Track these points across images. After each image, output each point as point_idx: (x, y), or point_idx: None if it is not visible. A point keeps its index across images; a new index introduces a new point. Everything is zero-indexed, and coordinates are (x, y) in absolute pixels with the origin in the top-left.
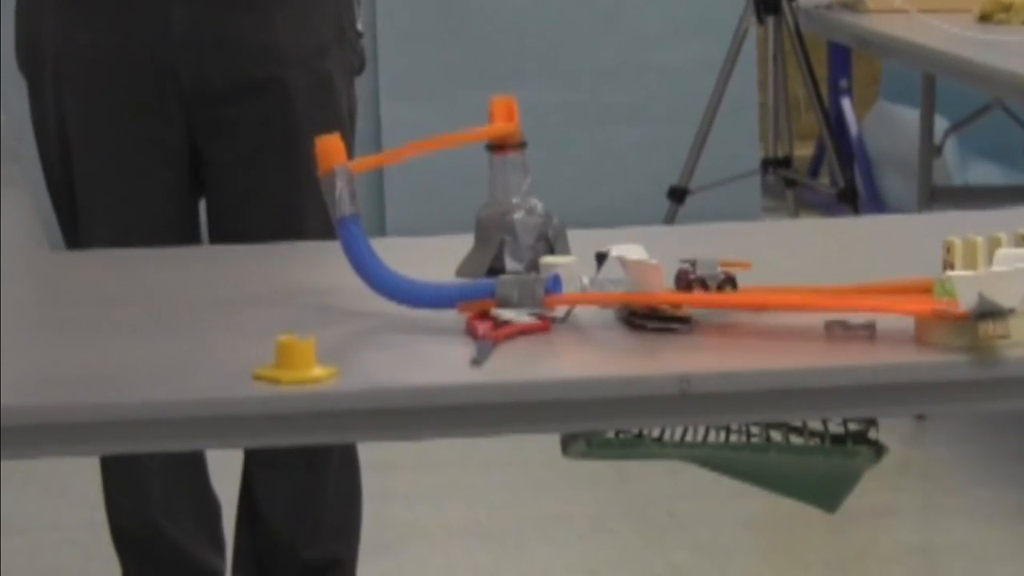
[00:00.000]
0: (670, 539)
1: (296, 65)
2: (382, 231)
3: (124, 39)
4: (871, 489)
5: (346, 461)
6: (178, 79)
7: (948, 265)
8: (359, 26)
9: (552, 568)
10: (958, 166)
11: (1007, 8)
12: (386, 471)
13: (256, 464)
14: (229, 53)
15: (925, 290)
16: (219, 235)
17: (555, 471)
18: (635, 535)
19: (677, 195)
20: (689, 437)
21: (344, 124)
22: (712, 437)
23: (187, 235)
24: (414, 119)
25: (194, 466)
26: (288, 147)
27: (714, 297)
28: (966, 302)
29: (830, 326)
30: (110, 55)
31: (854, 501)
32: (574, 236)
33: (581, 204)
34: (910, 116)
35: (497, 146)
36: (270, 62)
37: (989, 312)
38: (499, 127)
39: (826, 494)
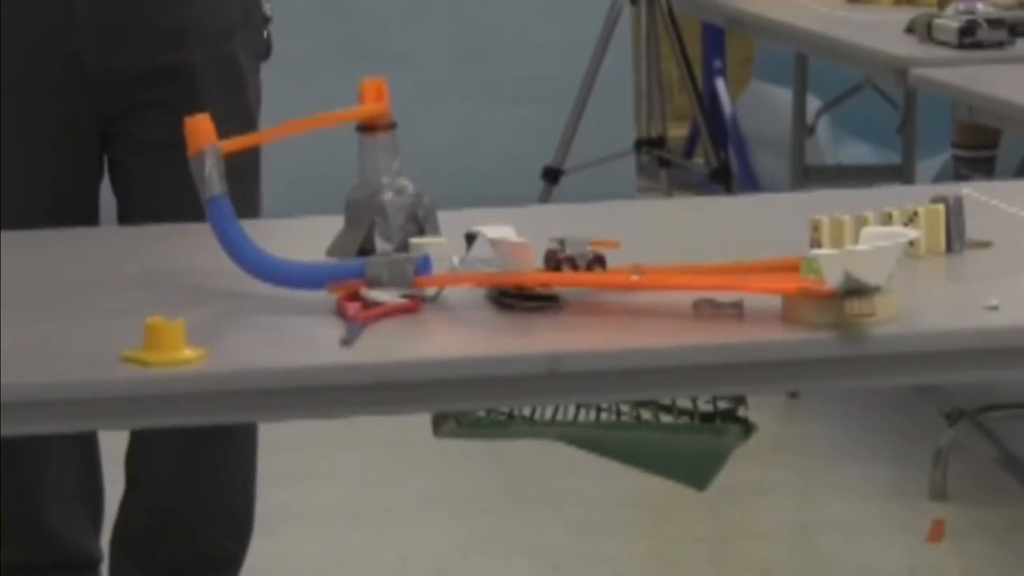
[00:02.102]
0: (544, 517)
1: (203, 49)
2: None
3: (27, 24)
4: (745, 466)
5: (237, 450)
6: (83, 64)
7: (815, 243)
8: (266, 10)
9: (427, 548)
10: (830, 145)
11: None
12: (260, 452)
13: (137, 441)
14: (134, 37)
15: (793, 268)
16: (127, 220)
17: (429, 451)
18: (510, 513)
19: (551, 176)
20: (560, 416)
21: (250, 109)
22: (582, 416)
23: (87, 219)
24: (286, 100)
25: (83, 448)
26: None
27: (582, 276)
28: (832, 280)
29: (698, 305)
30: (12, 40)
31: (728, 478)
32: (444, 217)
33: (455, 185)
34: (783, 96)
35: (367, 127)
36: (176, 46)
37: (855, 290)
38: (369, 108)
39: (696, 472)
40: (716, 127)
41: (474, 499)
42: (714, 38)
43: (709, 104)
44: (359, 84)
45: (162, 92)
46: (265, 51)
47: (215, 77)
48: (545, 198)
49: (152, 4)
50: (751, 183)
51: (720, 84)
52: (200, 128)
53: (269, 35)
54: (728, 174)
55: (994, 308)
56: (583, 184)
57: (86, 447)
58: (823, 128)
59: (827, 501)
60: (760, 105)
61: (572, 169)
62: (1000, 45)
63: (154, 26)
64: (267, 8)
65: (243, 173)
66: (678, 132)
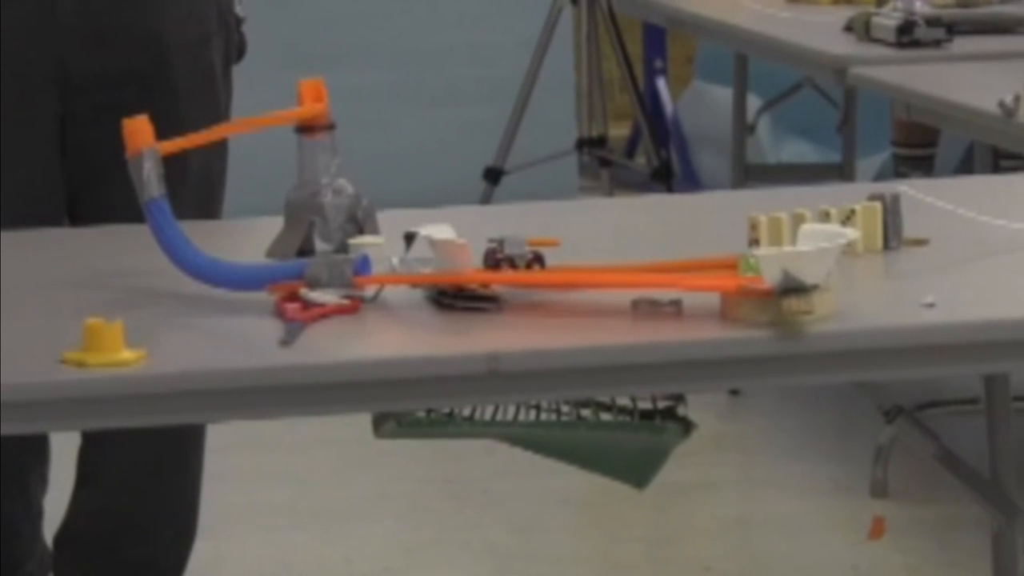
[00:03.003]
0: (487, 517)
1: (181, 58)
2: None
3: (8, 25)
4: (688, 464)
5: (184, 452)
6: (64, 67)
7: (753, 242)
8: (239, 11)
9: (371, 548)
10: (771, 144)
11: None
12: None
13: (88, 441)
14: (114, 43)
15: (732, 267)
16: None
17: (373, 451)
18: (452, 513)
19: (492, 176)
20: (500, 416)
21: (222, 116)
22: (522, 415)
23: (52, 222)
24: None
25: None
26: (168, 139)
27: (521, 276)
28: (770, 278)
29: (637, 303)
30: None
31: (671, 476)
32: (384, 217)
33: (398, 186)
34: (724, 95)
35: (306, 128)
36: (155, 53)
37: (793, 288)
38: (307, 109)
39: (636, 470)
40: (657, 126)
41: (417, 499)
42: (655, 38)
43: (650, 104)
44: (298, 85)
45: (138, 98)
46: (239, 52)
47: (192, 87)
48: (487, 198)
49: (133, 9)
50: (692, 182)
51: (661, 83)
52: (138, 130)
53: (242, 36)
54: (669, 173)
55: (931, 305)
56: (525, 184)
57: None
58: (764, 127)
59: (769, 498)
60: (701, 104)
61: (513, 169)
62: (938, 44)
63: (134, 31)
64: (239, 9)
65: (213, 179)
66: (620, 132)
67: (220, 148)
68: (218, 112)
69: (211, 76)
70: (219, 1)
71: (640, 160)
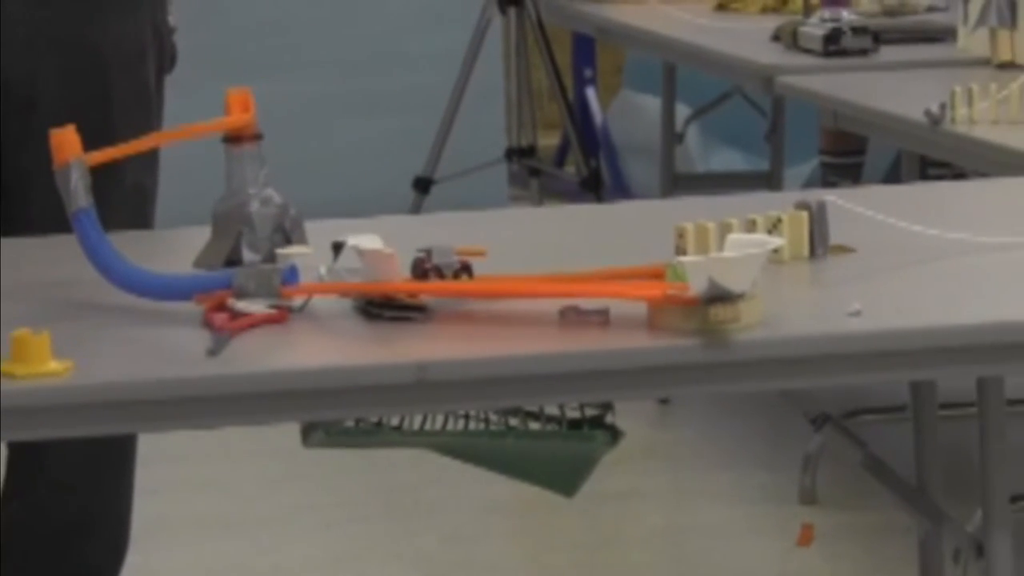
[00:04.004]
0: (417, 526)
1: (117, 71)
2: None
3: None
4: (617, 472)
5: (117, 462)
6: (1, 73)
7: (680, 250)
8: (171, 21)
9: (300, 559)
10: (700, 153)
11: None
12: None
13: (15, 452)
14: (54, 53)
15: (659, 275)
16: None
17: (302, 461)
18: (383, 523)
19: (422, 185)
20: (428, 425)
21: (154, 128)
22: (451, 424)
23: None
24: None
25: None
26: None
27: (448, 285)
28: (696, 286)
29: (564, 312)
30: None
31: (601, 484)
32: (312, 227)
33: (327, 195)
34: (653, 104)
35: (233, 138)
36: (93, 67)
37: (719, 296)
38: (234, 119)
39: (564, 479)
40: (587, 136)
41: (347, 509)
42: (584, 47)
43: (580, 113)
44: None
45: (74, 113)
46: (170, 64)
47: (127, 101)
48: (416, 208)
49: (75, 21)
50: (622, 191)
51: (591, 93)
52: (66, 141)
53: (174, 46)
54: (598, 182)
55: (857, 313)
56: (454, 194)
57: None
58: (692, 136)
59: (698, 506)
60: (630, 113)
61: (443, 179)
62: (864, 52)
63: (74, 43)
64: (172, 19)
65: (146, 192)
66: (549, 141)
67: (152, 160)
68: (150, 125)
69: (145, 90)
70: (155, 14)
71: (569, 169)
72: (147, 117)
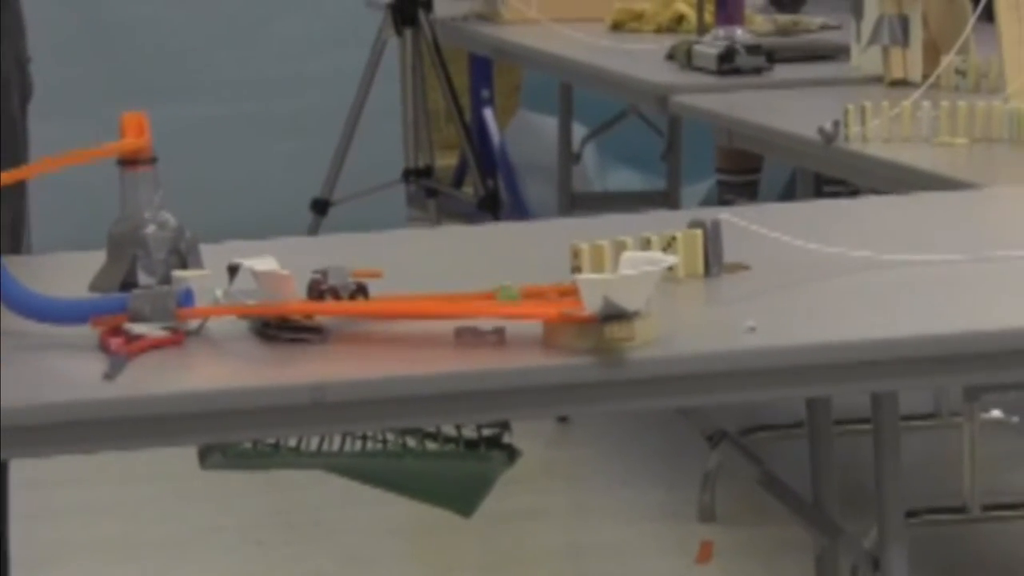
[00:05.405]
0: (317, 548)
1: None
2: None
3: None
4: (517, 492)
5: None
6: None
7: (576, 269)
8: (27, 51)
9: None
10: (597, 172)
11: (638, 17)
12: (32, 489)
13: None
14: None
15: (556, 294)
16: None
17: (202, 484)
18: (282, 545)
19: (320, 207)
20: (325, 446)
21: (21, 159)
22: (348, 445)
23: None
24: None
25: None
26: None
27: (344, 306)
28: (591, 305)
29: (460, 332)
30: None
31: (500, 504)
32: (208, 250)
33: (226, 219)
34: (550, 124)
35: (128, 161)
36: None
37: (614, 315)
38: (129, 143)
39: (461, 499)
40: (484, 156)
41: (247, 531)
42: (481, 68)
43: (477, 133)
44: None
45: None
46: (29, 93)
47: None
48: (314, 230)
49: None
50: (521, 211)
51: (488, 113)
52: None
53: (30, 76)
54: (496, 203)
55: (752, 330)
56: (352, 215)
57: None
58: (589, 155)
59: (598, 525)
60: (528, 133)
61: (341, 200)
62: (758, 71)
63: None
64: (28, 49)
65: (21, 220)
66: (447, 162)
67: (21, 189)
68: (18, 156)
69: (12, 122)
70: (16, 46)
71: (467, 190)
72: (15, 147)
